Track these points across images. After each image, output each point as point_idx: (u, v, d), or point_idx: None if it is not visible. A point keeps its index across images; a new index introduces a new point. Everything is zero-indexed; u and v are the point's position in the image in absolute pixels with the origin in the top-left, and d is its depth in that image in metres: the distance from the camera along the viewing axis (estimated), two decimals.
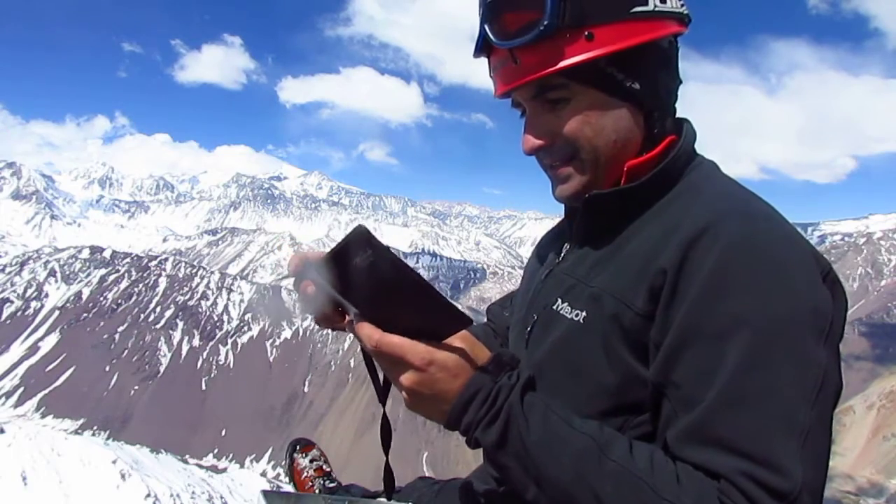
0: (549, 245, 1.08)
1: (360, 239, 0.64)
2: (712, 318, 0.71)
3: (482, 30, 0.87)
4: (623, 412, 0.80)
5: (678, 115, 0.96)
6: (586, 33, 0.81)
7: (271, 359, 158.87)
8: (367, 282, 0.66)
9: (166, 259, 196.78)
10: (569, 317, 0.86)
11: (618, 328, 0.80)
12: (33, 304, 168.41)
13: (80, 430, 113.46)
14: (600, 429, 0.73)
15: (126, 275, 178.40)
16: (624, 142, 0.87)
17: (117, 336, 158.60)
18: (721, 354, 0.69)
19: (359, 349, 0.75)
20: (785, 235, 0.75)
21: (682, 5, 0.88)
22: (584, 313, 0.84)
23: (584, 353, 0.83)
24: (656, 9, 0.83)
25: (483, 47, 0.88)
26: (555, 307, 0.90)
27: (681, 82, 0.91)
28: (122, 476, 29.62)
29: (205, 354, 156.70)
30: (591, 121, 0.85)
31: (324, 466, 1.79)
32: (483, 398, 0.71)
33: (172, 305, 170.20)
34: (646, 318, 0.77)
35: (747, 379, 0.68)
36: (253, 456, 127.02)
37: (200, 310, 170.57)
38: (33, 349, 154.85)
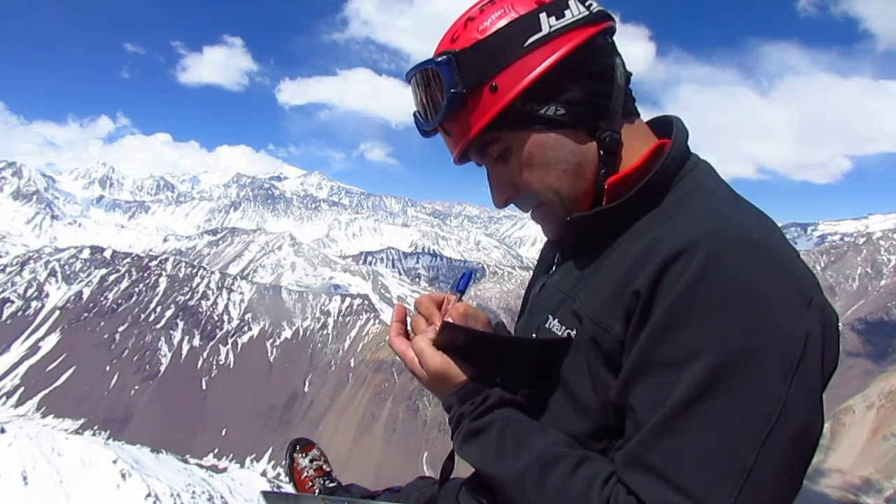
0: (548, 252, 1.09)
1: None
2: (671, 345, 0.70)
3: (413, 116, 0.94)
4: (606, 435, 0.81)
5: (671, 113, 0.94)
6: (490, 86, 0.83)
7: (271, 359, 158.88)
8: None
9: (167, 259, 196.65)
10: (560, 334, 0.87)
11: (598, 351, 0.80)
12: (34, 303, 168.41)
13: (80, 430, 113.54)
14: (550, 447, 0.77)
15: (126, 275, 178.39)
16: (576, 167, 0.86)
17: (118, 336, 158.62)
18: (673, 383, 0.69)
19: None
20: (765, 259, 0.71)
21: (590, 6, 0.85)
22: (573, 332, 0.85)
23: (571, 372, 0.84)
24: (553, 29, 0.82)
25: (422, 130, 0.93)
26: (547, 325, 0.90)
27: (629, 75, 0.89)
28: (123, 476, 29.67)
29: (205, 354, 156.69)
30: (536, 162, 0.86)
31: (324, 466, 1.80)
32: (454, 414, 0.87)
33: (173, 305, 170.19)
34: (623, 343, 0.77)
35: (692, 409, 0.67)
36: (253, 456, 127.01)
37: (201, 310, 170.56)
38: (34, 349, 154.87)
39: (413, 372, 0.90)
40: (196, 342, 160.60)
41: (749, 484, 0.64)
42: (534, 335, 0.93)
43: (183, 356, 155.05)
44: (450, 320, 0.87)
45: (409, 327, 0.95)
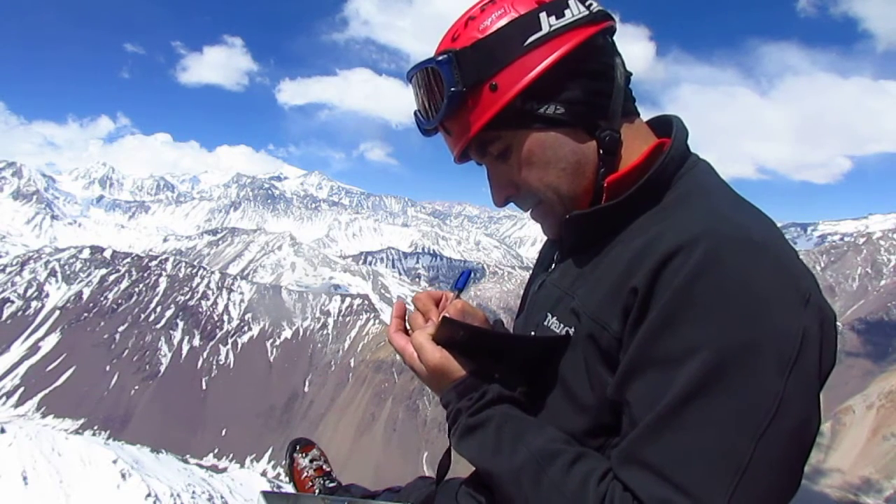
0: (548, 251, 1.10)
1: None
2: (668, 342, 0.70)
3: (414, 115, 0.95)
4: (604, 432, 0.81)
5: (671, 113, 0.95)
6: (490, 85, 0.83)
7: (271, 359, 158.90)
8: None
9: (167, 259, 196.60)
10: (558, 332, 0.87)
11: (596, 349, 0.80)
12: (34, 303, 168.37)
13: (80, 430, 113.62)
14: (547, 443, 0.78)
15: (126, 275, 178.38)
16: (575, 165, 0.86)
17: (118, 336, 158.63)
18: (670, 379, 0.69)
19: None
20: (764, 258, 0.72)
21: (590, 6, 0.86)
22: (571, 329, 0.85)
23: (568, 369, 0.85)
24: (553, 28, 0.82)
25: (423, 129, 0.94)
26: (545, 323, 0.91)
27: (629, 75, 0.89)
28: (123, 476, 29.67)
29: (205, 354, 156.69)
30: (536, 161, 0.87)
31: (324, 466, 1.80)
32: (453, 410, 0.87)
33: (173, 305, 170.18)
34: (620, 340, 0.77)
35: (687, 405, 0.67)
36: (253, 456, 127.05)
37: (201, 310, 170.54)
38: (34, 349, 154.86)
39: (412, 367, 0.90)
40: (196, 342, 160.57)
41: (745, 480, 0.64)
42: (532, 333, 0.94)
43: (183, 356, 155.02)
44: (447, 316, 0.88)
45: (407, 324, 0.96)
